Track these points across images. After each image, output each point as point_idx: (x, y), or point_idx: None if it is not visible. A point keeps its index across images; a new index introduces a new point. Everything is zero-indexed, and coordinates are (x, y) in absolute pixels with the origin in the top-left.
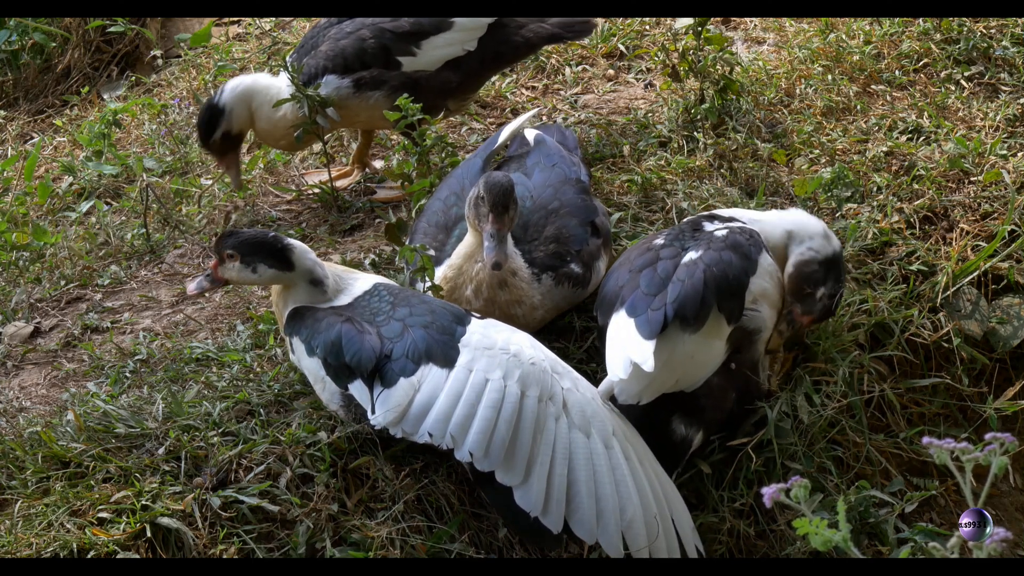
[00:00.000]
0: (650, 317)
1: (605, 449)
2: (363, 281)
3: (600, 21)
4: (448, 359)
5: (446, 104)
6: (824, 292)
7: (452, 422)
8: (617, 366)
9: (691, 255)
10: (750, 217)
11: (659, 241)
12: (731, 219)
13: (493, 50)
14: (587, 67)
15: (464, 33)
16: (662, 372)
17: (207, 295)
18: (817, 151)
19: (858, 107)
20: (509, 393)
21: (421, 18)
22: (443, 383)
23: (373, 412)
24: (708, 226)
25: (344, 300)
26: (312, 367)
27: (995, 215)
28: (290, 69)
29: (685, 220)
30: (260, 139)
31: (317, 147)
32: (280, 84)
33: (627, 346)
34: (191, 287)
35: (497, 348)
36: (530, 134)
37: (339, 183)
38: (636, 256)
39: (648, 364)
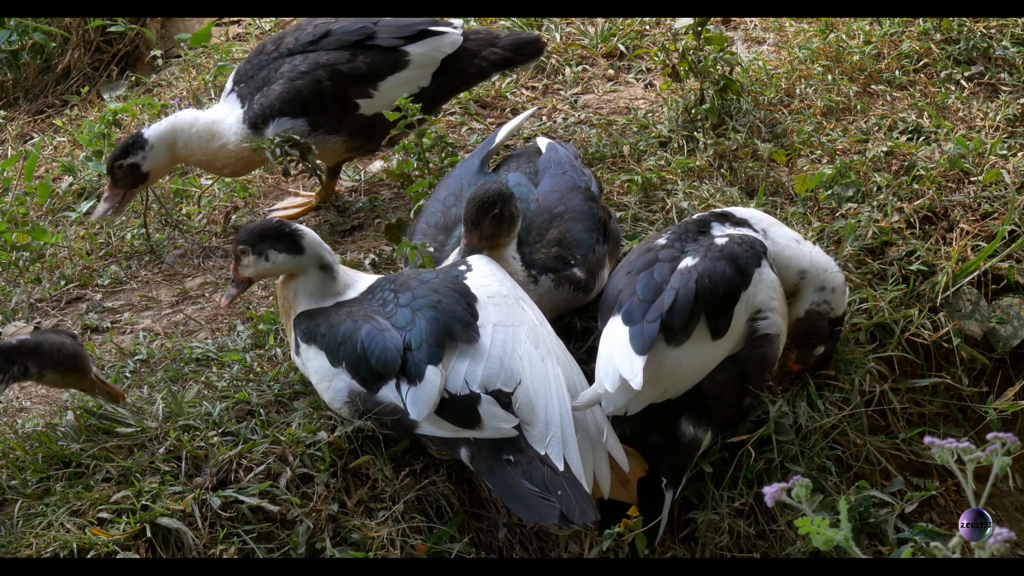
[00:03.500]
0: (644, 330)
1: (542, 361)
2: (366, 279)
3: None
4: (470, 335)
5: (398, 140)
6: (823, 351)
7: (467, 371)
8: (606, 378)
9: (688, 261)
10: (765, 225)
11: (660, 241)
12: (743, 222)
13: (447, 84)
14: (587, 67)
15: (419, 71)
16: (648, 385)
17: (235, 300)
18: (817, 151)
19: (858, 107)
20: (509, 332)
21: (377, 57)
22: (480, 358)
23: (406, 410)
24: (716, 229)
25: (351, 295)
26: (325, 370)
27: (995, 215)
28: (240, 100)
29: (695, 216)
30: (200, 168)
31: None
32: (213, 118)
33: (618, 358)
34: (223, 300)
35: (499, 296)
36: (542, 142)
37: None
38: (636, 257)
39: (636, 381)
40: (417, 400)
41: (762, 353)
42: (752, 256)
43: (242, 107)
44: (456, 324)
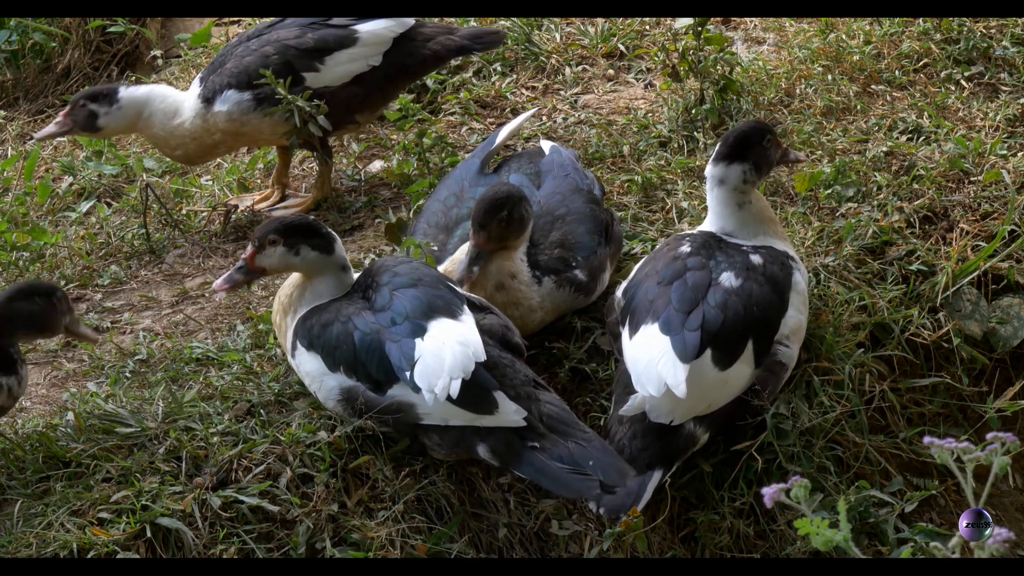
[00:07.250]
0: (686, 339)
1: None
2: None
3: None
4: (453, 310)
5: (354, 118)
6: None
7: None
8: (651, 383)
9: (729, 279)
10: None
11: (684, 249)
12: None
13: (400, 64)
14: (587, 67)
15: (368, 48)
16: (694, 397)
17: (236, 289)
18: (818, 151)
19: (858, 107)
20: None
21: (326, 33)
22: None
23: (419, 401)
24: (730, 238)
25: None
26: (316, 371)
27: (995, 215)
28: (200, 83)
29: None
30: (154, 145)
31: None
32: (181, 97)
33: (661, 365)
34: (220, 282)
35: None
36: (545, 145)
37: (260, 206)
38: (663, 267)
39: (680, 389)
40: (426, 376)
41: (775, 376)
42: (787, 275)
43: (200, 87)
44: (438, 300)
